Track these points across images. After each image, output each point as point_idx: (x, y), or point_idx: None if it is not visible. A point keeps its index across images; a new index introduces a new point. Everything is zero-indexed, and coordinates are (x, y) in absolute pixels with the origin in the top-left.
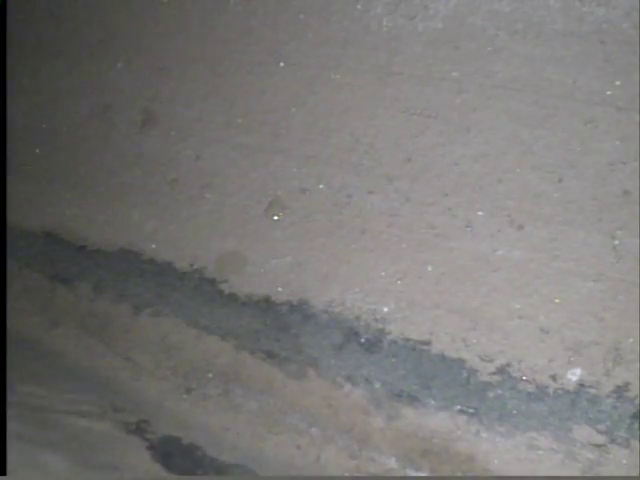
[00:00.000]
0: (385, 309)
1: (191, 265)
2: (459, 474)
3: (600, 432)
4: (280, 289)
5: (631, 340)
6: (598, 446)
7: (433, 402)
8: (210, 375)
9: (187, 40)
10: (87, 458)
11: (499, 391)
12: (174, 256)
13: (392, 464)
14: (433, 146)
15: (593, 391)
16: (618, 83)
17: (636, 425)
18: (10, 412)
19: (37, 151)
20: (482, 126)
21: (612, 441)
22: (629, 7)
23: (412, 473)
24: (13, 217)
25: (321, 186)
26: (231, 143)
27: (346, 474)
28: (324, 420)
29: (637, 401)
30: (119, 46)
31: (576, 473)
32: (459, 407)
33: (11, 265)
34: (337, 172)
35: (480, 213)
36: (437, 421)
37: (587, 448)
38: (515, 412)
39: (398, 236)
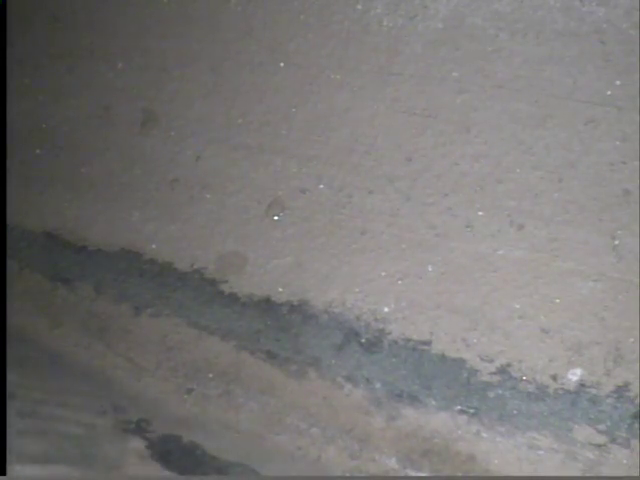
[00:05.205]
0: (385, 309)
1: (191, 265)
2: (459, 474)
3: (600, 432)
4: (280, 289)
5: (631, 340)
6: (598, 446)
7: (433, 402)
8: (210, 375)
9: (187, 40)
10: (87, 457)
11: (499, 391)
12: (174, 256)
13: (393, 464)
14: (433, 146)
15: (593, 391)
16: (618, 83)
17: (636, 425)
18: (10, 412)
19: (37, 151)
20: (482, 126)
21: (612, 441)
22: (629, 7)
23: (413, 473)
24: (13, 217)
25: (321, 186)
26: (231, 143)
27: (346, 474)
28: (324, 420)
29: (637, 401)
30: (119, 46)
31: (576, 473)
32: (459, 407)
33: (11, 265)
34: (337, 172)
35: (480, 213)
36: (437, 421)
37: (587, 448)
38: (515, 412)
39: (398, 236)
